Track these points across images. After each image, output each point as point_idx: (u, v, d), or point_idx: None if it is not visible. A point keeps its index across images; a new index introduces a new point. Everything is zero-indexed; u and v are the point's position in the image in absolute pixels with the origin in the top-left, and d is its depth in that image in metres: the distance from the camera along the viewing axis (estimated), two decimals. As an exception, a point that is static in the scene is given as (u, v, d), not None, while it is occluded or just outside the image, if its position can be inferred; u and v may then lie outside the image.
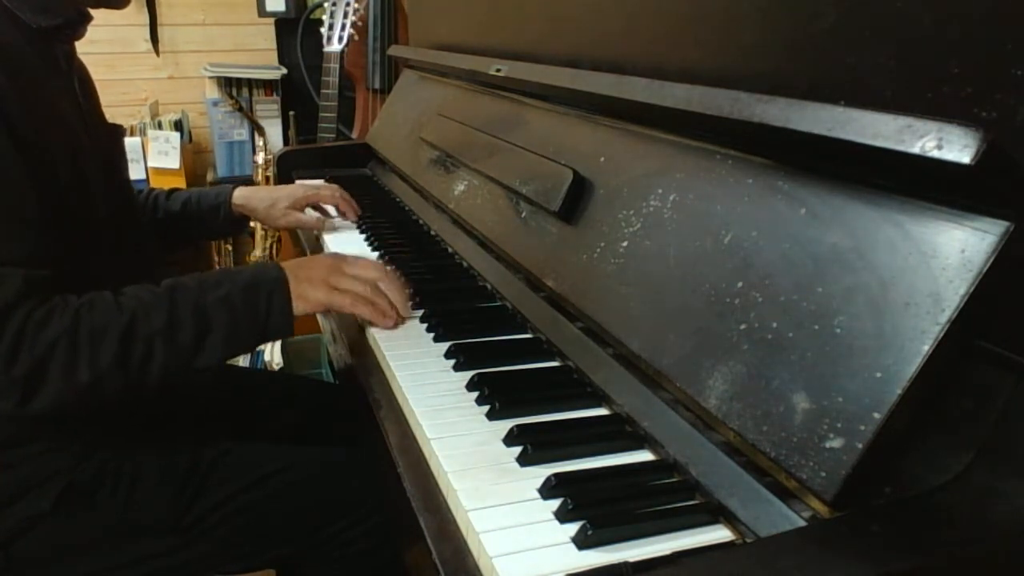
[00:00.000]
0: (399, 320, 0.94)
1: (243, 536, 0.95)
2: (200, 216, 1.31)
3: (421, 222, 1.39)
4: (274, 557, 1.00)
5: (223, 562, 0.96)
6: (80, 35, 0.98)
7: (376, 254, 1.25)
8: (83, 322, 0.77)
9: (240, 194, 1.33)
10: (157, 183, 2.65)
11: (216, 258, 2.83)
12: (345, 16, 2.28)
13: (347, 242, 1.33)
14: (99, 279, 0.84)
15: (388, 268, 0.98)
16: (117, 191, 1.02)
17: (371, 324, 0.93)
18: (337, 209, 1.41)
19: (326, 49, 2.29)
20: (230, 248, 2.82)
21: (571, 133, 1.02)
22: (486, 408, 0.75)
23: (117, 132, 1.13)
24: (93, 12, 0.97)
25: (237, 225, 1.37)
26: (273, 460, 0.98)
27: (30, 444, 0.89)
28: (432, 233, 1.32)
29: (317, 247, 1.35)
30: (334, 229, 1.40)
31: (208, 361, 0.83)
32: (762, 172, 0.68)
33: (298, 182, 1.55)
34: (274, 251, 2.64)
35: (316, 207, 1.42)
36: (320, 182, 1.49)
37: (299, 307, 0.88)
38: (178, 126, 2.75)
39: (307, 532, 0.97)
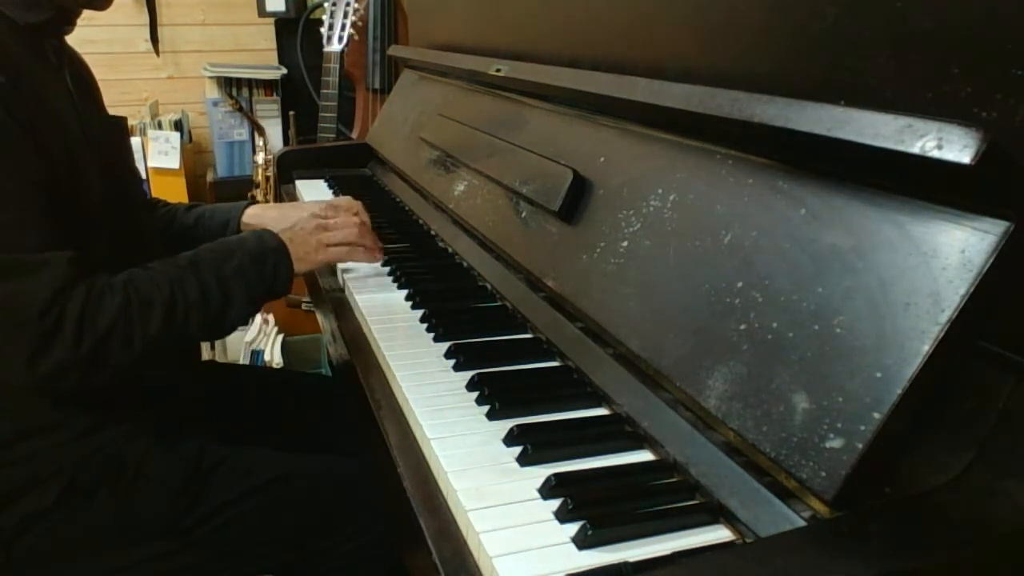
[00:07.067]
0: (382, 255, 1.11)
1: (242, 542, 0.95)
2: (210, 234, 1.20)
3: (421, 222, 1.39)
4: (274, 564, 1.00)
5: (222, 568, 0.96)
6: (68, 30, 0.97)
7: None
8: (132, 299, 0.84)
9: (252, 212, 1.23)
10: (157, 183, 2.64)
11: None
12: (345, 16, 2.28)
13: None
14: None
15: (358, 205, 1.13)
16: (116, 186, 1.00)
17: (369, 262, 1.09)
18: None
19: (326, 49, 2.29)
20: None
21: (571, 133, 1.02)
22: (486, 408, 0.75)
23: (119, 125, 1.11)
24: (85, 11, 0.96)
25: None
26: (274, 467, 0.98)
27: (32, 442, 0.89)
28: (432, 233, 1.32)
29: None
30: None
31: (232, 324, 0.94)
32: (762, 172, 0.68)
33: (318, 200, 1.31)
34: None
35: None
36: (347, 198, 1.26)
37: (301, 267, 1.01)
38: (178, 126, 2.75)
39: (307, 540, 0.97)
